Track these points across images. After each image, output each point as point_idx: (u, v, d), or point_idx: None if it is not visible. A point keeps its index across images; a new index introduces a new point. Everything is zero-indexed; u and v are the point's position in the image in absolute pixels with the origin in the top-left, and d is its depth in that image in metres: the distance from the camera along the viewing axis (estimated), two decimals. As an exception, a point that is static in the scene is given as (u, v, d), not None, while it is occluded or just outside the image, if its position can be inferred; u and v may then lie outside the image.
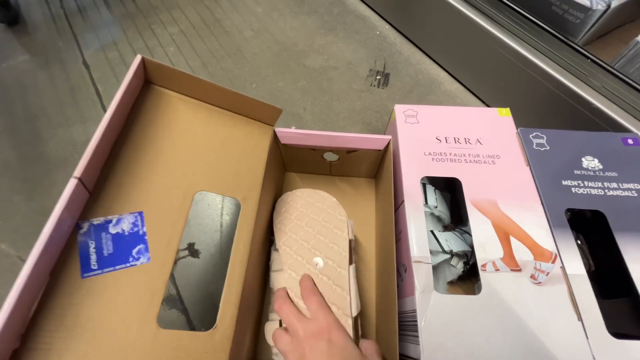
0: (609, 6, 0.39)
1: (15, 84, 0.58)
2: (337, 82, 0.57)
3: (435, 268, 0.33)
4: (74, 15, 0.68)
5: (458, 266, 0.34)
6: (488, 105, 0.53)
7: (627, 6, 0.40)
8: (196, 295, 0.38)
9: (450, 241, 0.34)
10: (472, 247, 0.34)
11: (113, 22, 0.66)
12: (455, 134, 0.36)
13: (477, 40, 0.48)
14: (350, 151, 0.38)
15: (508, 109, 0.38)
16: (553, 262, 0.29)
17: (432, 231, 0.34)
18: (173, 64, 0.59)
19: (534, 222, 0.31)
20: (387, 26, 0.64)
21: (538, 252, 0.29)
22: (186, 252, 0.41)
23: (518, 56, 0.44)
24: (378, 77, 0.57)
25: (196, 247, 0.42)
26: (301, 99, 0.55)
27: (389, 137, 0.36)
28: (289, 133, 0.36)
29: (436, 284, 0.35)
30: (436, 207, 0.36)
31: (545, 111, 0.46)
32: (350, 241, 0.32)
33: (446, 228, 0.37)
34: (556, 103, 0.43)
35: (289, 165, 0.44)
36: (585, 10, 0.41)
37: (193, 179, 0.26)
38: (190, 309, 0.38)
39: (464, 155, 0.35)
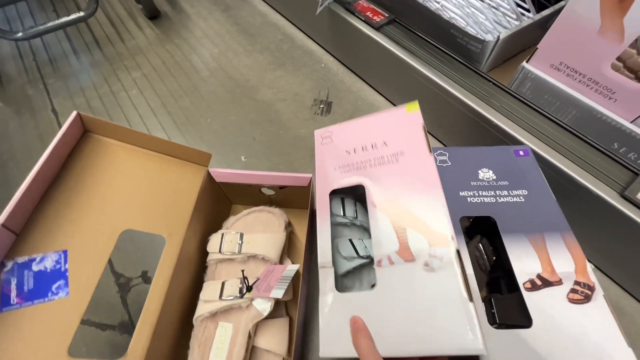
0: (498, 38, 0.46)
1: (-13, 133, 0.62)
2: (285, 113, 0.62)
3: (352, 271, 0.37)
4: (45, 66, 0.74)
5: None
6: (420, 125, 0.59)
7: (513, 37, 0.47)
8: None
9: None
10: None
11: (80, 70, 0.72)
12: (363, 143, 0.37)
13: (401, 70, 0.54)
14: (282, 187, 0.42)
15: (416, 103, 0.37)
16: (448, 246, 0.28)
17: (350, 239, 0.38)
18: (135, 106, 0.64)
19: (433, 207, 0.31)
20: (332, 58, 0.71)
21: (433, 238, 0.29)
22: (140, 280, 0.45)
23: (433, 83, 0.50)
24: (322, 106, 0.63)
25: (149, 274, 0.45)
26: (251, 130, 0.60)
27: (309, 175, 0.40)
28: (222, 173, 0.41)
29: (359, 286, 0.38)
30: (356, 217, 0.40)
31: (460, 130, 0.51)
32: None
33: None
34: (466, 122, 0.48)
35: (234, 199, 0.49)
36: (481, 41, 0.47)
37: (120, 219, 0.31)
38: (141, 333, 0.41)
39: (369, 160, 0.36)
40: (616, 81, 0.37)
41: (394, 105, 0.62)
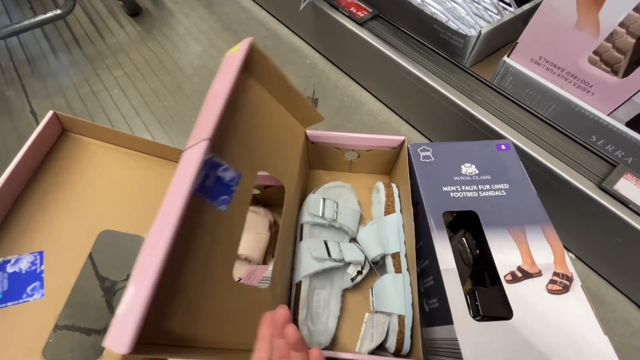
0: (480, 32, 0.46)
1: (-37, 136, 0.60)
2: (270, 111, 0.62)
3: (323, 273, 0.38)
4: (23, 66, 0.71)
5: (351, 272, 0.39)
6: (406, 121, 0.59)
7: (495, 32, 0.47)
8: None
9: (348, 251, 0.38)
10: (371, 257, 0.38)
11: (60, 70, 0.70)
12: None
13: (385, 66, 0.54)
14: (267, 187, 0.42)
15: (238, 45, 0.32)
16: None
17: (325, 241, 0.38)
18: (117, 106, 0.63)
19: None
20: (317, 55, 0.70)
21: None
22: (125, 283, 0.44)
23: (417, 79, 0.50)
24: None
25: (134, 277, 0.45)
26: (237, 128, 0.59)
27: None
28: None
29: (330, 288, 0.39)
30: (335, 219, 0.40)
31: (445, 125, 0.52)
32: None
33: (352, 240, 0.42)
34: (450, 117, 0.49)
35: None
36: (463, 36, 0.47)
37: (99, 219, 0.30)
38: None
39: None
40: (593, 75, 0.38)
41: (380, 101, 0.62)
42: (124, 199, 0.32)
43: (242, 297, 0.27)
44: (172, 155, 0.38)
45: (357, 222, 0.43)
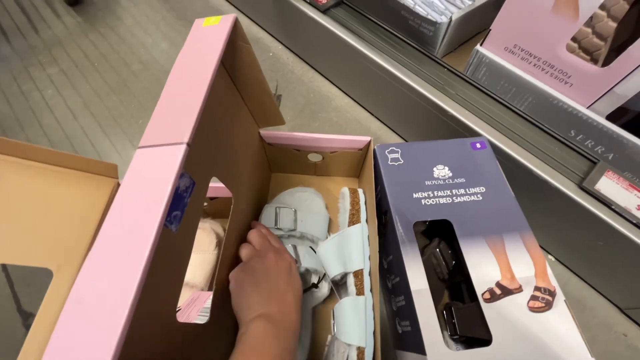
0: (451, 19, 0.42)
1: None
2: (228, 109, 0.56)
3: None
4: (-62, 63, 0.62)
5: (323, 288, 0.34)
6: (377, 118, 0.55)
7: (467, 18, 0.43)
8: None
9: (307, 257, 0.34)
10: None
11: (-18, 67, 0.61)
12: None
13: (351, 58, 0.49)
14: (212, 198, 0.37)
15: (218, 17, 0.27)
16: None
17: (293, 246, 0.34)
18: (50, 108, 0.55)
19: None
20: (280, 46, 0.64)
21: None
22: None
23: (385, 71, 0.46)
24: (270, 100, 0.57)
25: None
26: (190, 131, 0.53)
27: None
28: None
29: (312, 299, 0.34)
30: (293, 229, 0.36)
31: (418, 122, 0.47)
32: None
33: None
34: (422, 113, 0.45)
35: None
36: (433, 23, 0.43)
37: None
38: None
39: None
40: (571, 63, 0.34)
41: (349, 96, 0.57)
42: (25, 224, 0.26)
43: (190, 335, 0.22)
44: (91, 168, 0.31)
45: (326, 228, 0.39)
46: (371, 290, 0.33)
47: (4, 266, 0.41)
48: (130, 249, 0.15)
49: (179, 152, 0.18)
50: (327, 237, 0.38)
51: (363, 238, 0.35)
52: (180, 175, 0.21)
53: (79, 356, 0.13)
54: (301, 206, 0.39)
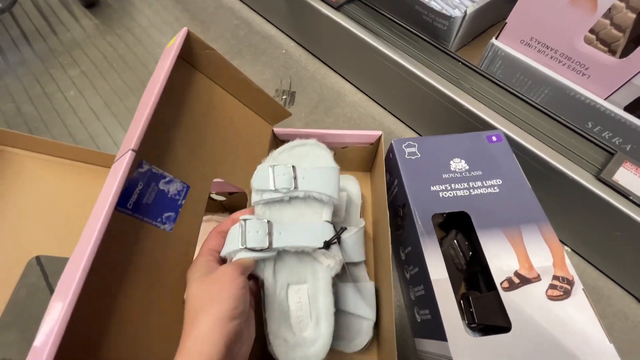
0: (465, 13, 0.42)
1: None
2: (244, 107, 0.57)
3: (298, 261, 0.32)
4: (-36, 68, 0.64)
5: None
6: (391, 113, 0.55)
7: (481, 12, 0.43)
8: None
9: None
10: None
11: (7, 70, 0.63)
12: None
13: (365, 54, 0.50)
14: (232, 193, 0.39)
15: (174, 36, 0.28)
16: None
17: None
18: (73, 109, 0.57)
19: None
20: (293, 43, 0.65)
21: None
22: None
23: (399, 66, 0.46)
24: (284, 97, 0.58)
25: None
26: (207, 128, 0.55)
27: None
28: None
29: (314, 280, 0.34)
30: (294, 188, 0.30)
31: (433, 117, 0.48)
32: None
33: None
34: (438, 108, 0.45)
35: None
36: (447, 17, 0.43)
37: (28, 243, 0.26)
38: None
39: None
40: (589, 55, 0.34)
41: (362, 92, 0.58)
42: (60, 218, 0.28)
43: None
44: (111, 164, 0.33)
45: (337, 183, 0.31)
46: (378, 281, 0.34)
47: (39, 259, 0.43)
48: (87, 233, 0.19)
49: (127, 158, 0.21)
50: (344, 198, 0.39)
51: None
52: (169, 180, 0.25)
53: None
54: (303, 163, 0.32)
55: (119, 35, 0.68)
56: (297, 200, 0.30)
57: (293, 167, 0.30)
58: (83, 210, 0.30)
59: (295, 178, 0.30)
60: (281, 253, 0.29)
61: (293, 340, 0.28)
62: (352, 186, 0.44)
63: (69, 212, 0.29)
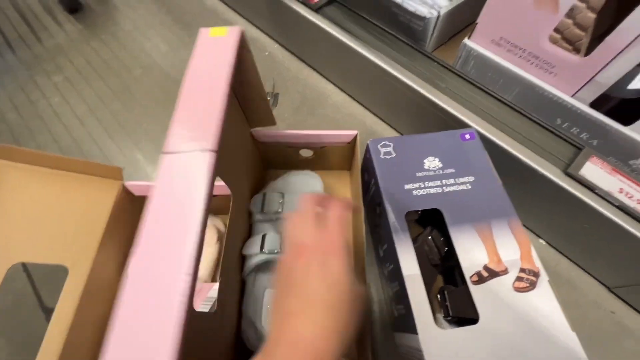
0: (439, 14, 0.43)
1: None
2: (228, 110, 0.57)
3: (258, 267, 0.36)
4: (-53, 76, 0.64)
5: None
6: (372, 113, 0.56)
7: (455, 12, 0.44)
8: None
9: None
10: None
11: (-10, 78, 0.63)
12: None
13: (345, 55, 0.51)
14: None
15: (224, 29, 0.30)
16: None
17: (264, 234, 0.36)
18: (58, 115, 0.57)
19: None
20: (276, 45, 0.66)
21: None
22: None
23: (377, 67, 0.47)
24: (269, 99, 0.58)
25: (84, 305, 0.41)
26: (192, 132, 0.55)
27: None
28: (141, 186, 0.36)
29: (267, 283, 0.36)
30: (279, 211, 0.38)
31: (412, 116, 0.49)
32: None
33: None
34: (415, 107, 0.46)
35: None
36: (422, 18, 0.44)
37: (8, 251, 0.26)
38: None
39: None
40: (555, 54, 0.36)
41: (345, 92, 0.59)
42: (40, 226, 0.28)
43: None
44: (98, 171, 0.34)
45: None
46: None
47: (25, 266, 0.43)
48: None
49: (207, 158, 0.20)
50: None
51: None
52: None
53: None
54: (293, 189, 0.40)
55: (103, 41, 0.68)
56: (280, 220, 0.38)
57: (282, 194, 0.38)
58: (67, 218, 0.31)
59: (282, 203, 0.38)
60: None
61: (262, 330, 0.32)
62: (315, 184, 0.43)
63: (53, 220, 0.30)
